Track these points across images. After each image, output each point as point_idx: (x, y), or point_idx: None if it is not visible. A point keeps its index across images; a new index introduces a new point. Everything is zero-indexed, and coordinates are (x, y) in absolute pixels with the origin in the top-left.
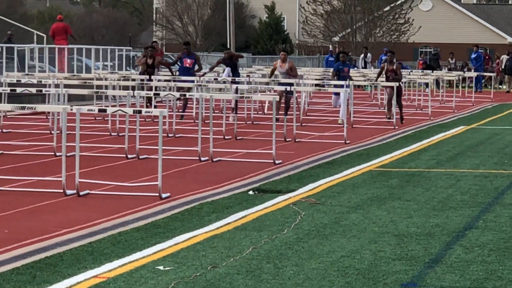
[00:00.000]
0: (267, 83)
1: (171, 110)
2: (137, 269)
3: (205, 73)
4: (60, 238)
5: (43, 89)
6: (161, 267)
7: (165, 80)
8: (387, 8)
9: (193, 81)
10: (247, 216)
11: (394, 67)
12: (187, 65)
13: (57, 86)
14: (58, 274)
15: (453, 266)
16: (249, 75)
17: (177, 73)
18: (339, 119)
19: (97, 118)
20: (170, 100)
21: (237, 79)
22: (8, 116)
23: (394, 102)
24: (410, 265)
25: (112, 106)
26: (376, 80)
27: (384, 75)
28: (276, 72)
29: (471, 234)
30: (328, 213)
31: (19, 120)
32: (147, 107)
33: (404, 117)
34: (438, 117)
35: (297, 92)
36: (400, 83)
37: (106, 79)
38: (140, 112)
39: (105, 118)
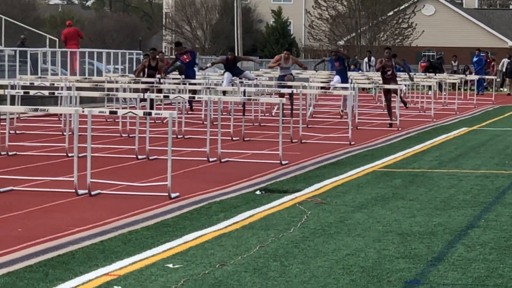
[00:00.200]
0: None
1: (180, 112)
2: (147, 267)
3: (207, 67)
4: (72, 236)
5: (56, 92)
6: (170, 265)
7: (174, 83)
8: (391, 13)
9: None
10: (255, 215)
11: (393, 63)
12: (187, 60)
13: (69, 88)
14: (70, 272)
15: (455, 264)
16: (256, 78)
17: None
18: (340, 109)
19: (108, 120)
20: (179, 102)
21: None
22: (21, 118)
23: (393, 104)
24: (413, 263)
25: (123, 108)
26: (377, 71)
27: (383, 75)
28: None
29: (472, 233)
30: (333, 213)
31: (32, 122)
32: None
33: (393, 122)
34: (441, 119)
35: (303, 95)
36: (400, 86)
37: (117, 82)
38: (150, 114)
39: (116, 120)
